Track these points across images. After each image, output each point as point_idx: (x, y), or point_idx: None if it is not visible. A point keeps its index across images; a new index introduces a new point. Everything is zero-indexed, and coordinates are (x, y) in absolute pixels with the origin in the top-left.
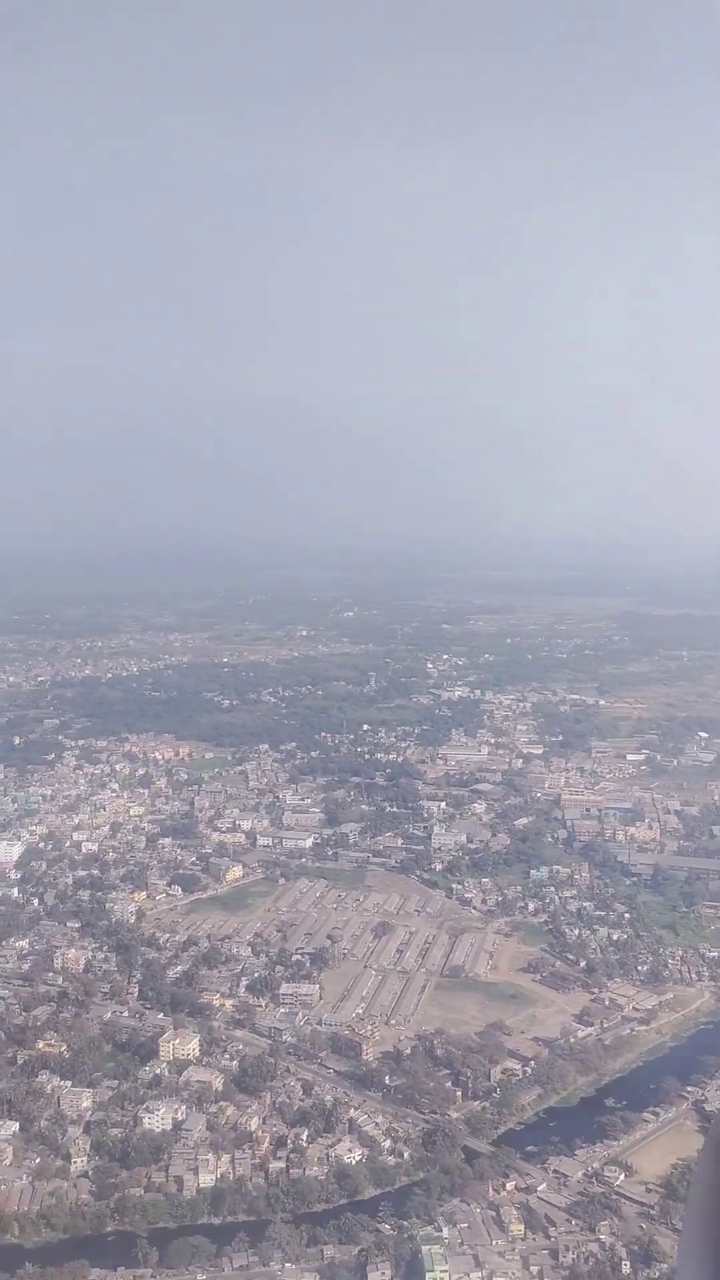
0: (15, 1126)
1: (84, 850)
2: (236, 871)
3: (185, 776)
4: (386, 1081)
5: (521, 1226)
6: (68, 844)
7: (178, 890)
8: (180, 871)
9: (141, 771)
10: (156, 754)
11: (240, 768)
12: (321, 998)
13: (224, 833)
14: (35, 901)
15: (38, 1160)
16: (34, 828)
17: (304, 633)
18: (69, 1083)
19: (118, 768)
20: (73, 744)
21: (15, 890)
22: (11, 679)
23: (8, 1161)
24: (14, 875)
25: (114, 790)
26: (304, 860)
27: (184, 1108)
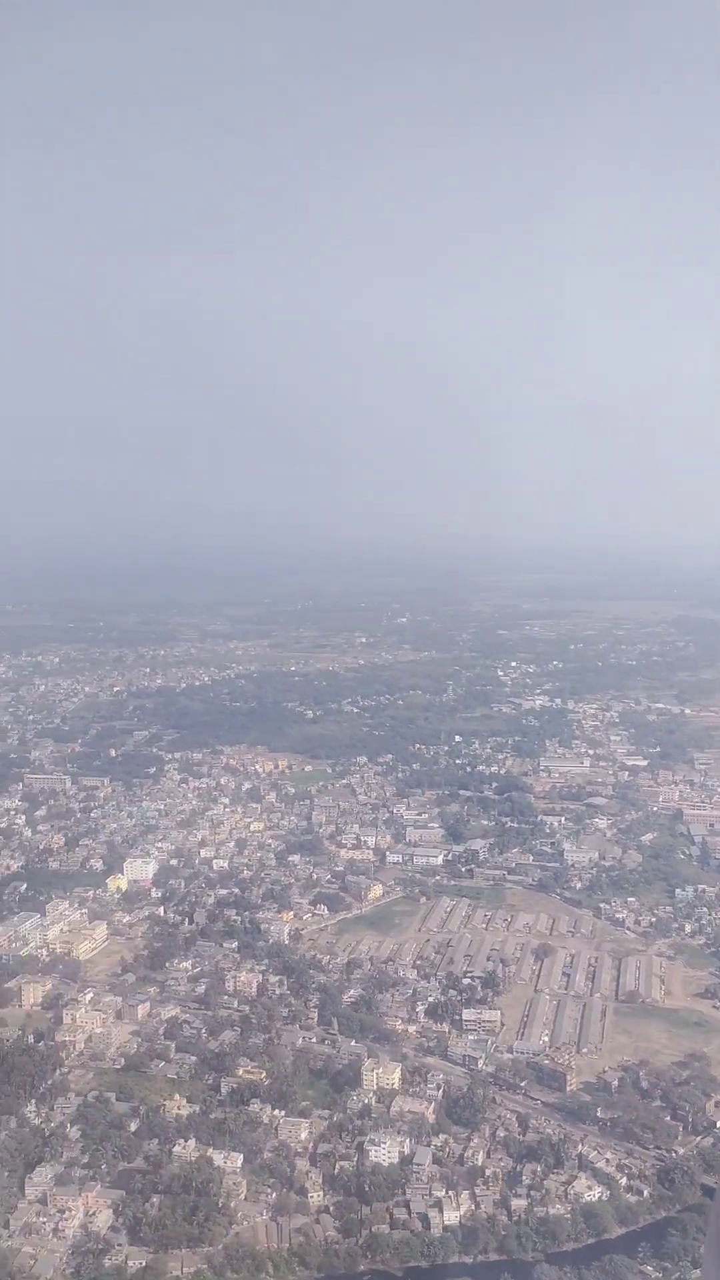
0: (240, 1159)
1: (215, 867)
2: (377, 890)
3: (292, 790)
4: (599, 1114)
5: None
6: (198, 861)
7: (323, 910)
8: (320, 890)
9: (247, 786)
10: (256, 766)
11: (345, 781)
12: (503, 1024)
13: (350, 849)
14: (186, 921)
15: (274, 1195)
16: (160, 844)
17: (363, 640)
18: (280, 1112)
19: (222, 781)
20: (168, 756)
21: (161, 909)
22: (87, 689)
23: (243, 1195)
24: (155, 894)
25: (225, 805)
26: (438, 878)
27: (408, 1141)
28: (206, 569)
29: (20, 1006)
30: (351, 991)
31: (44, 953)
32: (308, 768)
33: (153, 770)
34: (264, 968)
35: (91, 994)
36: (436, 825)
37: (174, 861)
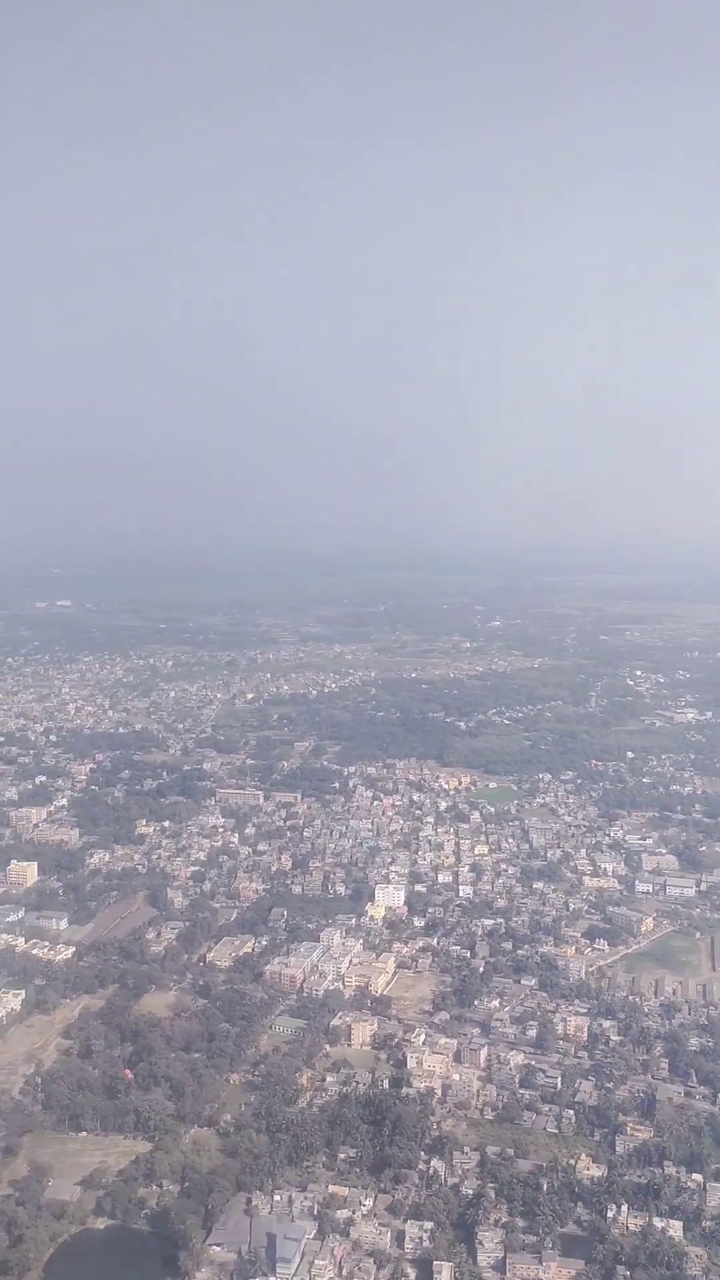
0: (679, 1226)
1: (463, 895)
2: (648, 924)
3: (492, 810)
4: None
5: None
6: (441, 886)
7: (603, 944)
8: (591, 924)
9: (444, 804)
10: (440, 783)
11: (540, 800)
12: None
13: (592, 877)
14: (470, 955)
15: None
16: (392, 868)
17: (466, 644)
18: (696, 1175)
19: (415, 798)
20: (345, 770)
21: (434, 940)
22: (219, 696)
23: (704, 1269)
24: (417, 922)
25: (431, 824)
26: (700, 910)
27: None
28: (272, 568)
29: (350, 1045)
30: (693, 1040)
31: (340, 986)
32: (491, 784)
33: (337, 785)
34: (585, 1010)
35: (423, 1035)
36: (664, 851)
37: (418, 887)
